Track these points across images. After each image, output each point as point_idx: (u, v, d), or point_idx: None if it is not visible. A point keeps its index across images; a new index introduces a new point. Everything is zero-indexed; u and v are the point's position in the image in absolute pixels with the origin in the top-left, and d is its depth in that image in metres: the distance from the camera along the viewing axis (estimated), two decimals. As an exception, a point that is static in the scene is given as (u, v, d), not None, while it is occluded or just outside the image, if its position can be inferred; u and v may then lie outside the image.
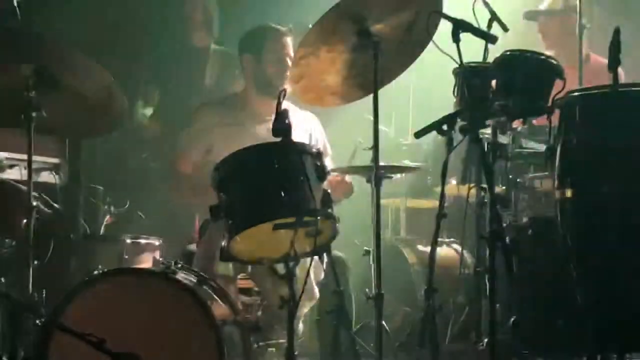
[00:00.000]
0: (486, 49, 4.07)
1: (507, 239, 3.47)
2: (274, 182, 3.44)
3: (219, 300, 3.75)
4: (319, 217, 3.45)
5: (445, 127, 3.74)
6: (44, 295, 4.32)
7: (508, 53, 4.01)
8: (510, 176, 4.71)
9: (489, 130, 4.20)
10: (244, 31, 4.96)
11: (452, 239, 5.76)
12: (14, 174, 4.37)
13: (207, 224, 4.41)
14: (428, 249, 3.76)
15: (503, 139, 4.24)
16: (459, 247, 5.52)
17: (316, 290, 4.10)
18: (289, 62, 4.58)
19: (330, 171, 4.15)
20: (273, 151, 3.53)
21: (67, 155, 4.75)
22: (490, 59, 4.04)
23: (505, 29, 4.27)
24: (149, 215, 5.28)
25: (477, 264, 4.30)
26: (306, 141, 4.60)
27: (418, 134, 3.85)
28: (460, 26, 3.67)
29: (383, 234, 4.09)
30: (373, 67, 3.94)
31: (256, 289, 4.17)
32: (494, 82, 3.96)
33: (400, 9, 3.97)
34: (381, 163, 3.99)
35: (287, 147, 3.52)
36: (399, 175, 5.79)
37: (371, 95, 3.98)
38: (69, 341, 3.10)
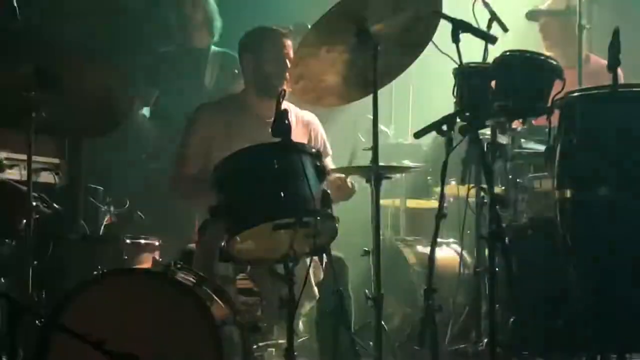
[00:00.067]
0: (486, 50, 4.08)
1: (507, 240, 3.47)
2: (274, 182, 3.44)
3: (219, 301, 3.75)
4: (318, 218, 3.45)
5: (444, 127, 3.74)
6: (44, 295, 4.33)
7: (508, 53, 4.01)
8: (510, 176, 4.71)
9: (488, 131, 4.21)
10: (244, 32, 4.96)
11: (451, 239, 5.76)
12: (14, 174, 4.37)
13: (207, 224, 4.41)
14: (428, 249, 3.76)
15: (503, 139, 4.25)
16: (458, 248, 5.52)
17: (316, 290, 4.10)
18: (288, 63, 4.58)
19: (331, 171, 4.16)
20: (273, 151, 3.53)
21: (67, 155, 4.75)
22: (490, 59, 4.05)
23: (505, 29, 4.28)
24: (149, 215, 5.27)
25: (476, 264, 4.30)
26: (306, 141, 4.60)
27: (418, 134, 3.85)
28: (459, 26, 3.67)
29: (383, 234, 4.09)
30: (373, 67, 3.94)
31: (256, 289, 4.17)
32: (493, 83, 3.96)
33: (400, 9, 3.97)
34: (381, 163, 3.98)
35: (287, 147, 3.52)
36: (398, 175, 5.80)
37: (371, 95, 3.98)
38: (68, 341, 3.11)
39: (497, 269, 3.60)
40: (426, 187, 6.03)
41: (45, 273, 4.35)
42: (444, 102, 4.41)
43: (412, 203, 6.28)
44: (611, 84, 3.68)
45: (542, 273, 4.26)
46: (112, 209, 5.04)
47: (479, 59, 4.07)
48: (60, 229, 4.58)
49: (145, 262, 4.59)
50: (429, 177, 5.95)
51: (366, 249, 4.18)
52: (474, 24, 3.89)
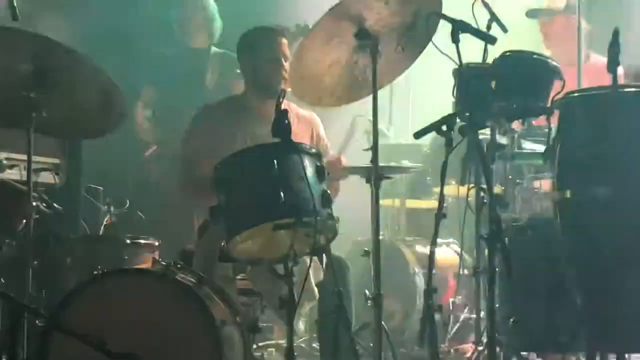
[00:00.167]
0: (486, 50, 4.08)
1: (506, 240, 3.47)
2: (274, 183, 3.44)
3: (219, 301, 3.75)
4: (318, 218, 3.45)
5: (444, 127, 3.74)
6: (44, 295, 4.33)
7: (508, 53, 4.01)
8: (510, 177, 4.72)
9: (488, 131, 4.21)
10: (243, 32, 4.96)
11: (451, 239, 5.77)
12: (14, 174, 4.37)
13: (207, 225, 4.41)
14: (427, 249, 3.76)
15: (502, 140, 4.25)
16: (458, 248, 5.53)
17: (316, 290, 4.10)
18: (284, 62, 4.58)
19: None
20: (273, 151, 3.53)
21: (67, 155, 4.75)
22: (490, 59, 4.05)
23: (504, 29, 4.28)
24: (149, 215, 5.28)
25: (476, 264, 4.30)
26: (307, 141, 4.60)
27: (418, 135, 3.85)
28: (459, 27, 3.67)
29: (383, 234, 4.10)
30: (372, 67, 3.94)
31: (255, 289, 4.17)
32: (493, 83, 3.96)
33: (400, 10, 3.97)
34: (381, 163, 3.99)
35: (286, 148, 3.52)
36: (398, 175, 5.81)
37: (369, 96, 3.99)
38: (69, 341, 3.11)
39: (496, 269, 3.60)
40: (426, 187, 6.04)
41: (45, 273, 4.35)
42: (444, 102, 4.41)
43: (412, 203, 6.29)
44: (611, 84, 3.68)
45: (542, 273, 4.27)
46: (112, 209, 5.05)
47: (479, 59, 4.07)
48: (60, 229, 4.58)
49: (145, 262, 4.59)
50: (428, 177, 5.96)
51: (366, 249, 4.18)
52: (474, 25, 3.89)
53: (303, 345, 5.41)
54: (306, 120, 4.81)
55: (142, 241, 4.76)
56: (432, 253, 3.71)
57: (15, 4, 3.81)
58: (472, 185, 4.18)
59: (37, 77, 3.81)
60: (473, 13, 4.09)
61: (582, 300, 3.82)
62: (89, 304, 3.59)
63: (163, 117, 6.13)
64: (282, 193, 3.42)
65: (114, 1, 6.31)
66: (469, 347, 4.96)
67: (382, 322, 3.91)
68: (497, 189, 4.53)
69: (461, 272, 5.00)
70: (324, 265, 3.93)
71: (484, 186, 3.84)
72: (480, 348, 4.23)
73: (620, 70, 3.77)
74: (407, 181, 6.15)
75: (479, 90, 3.90)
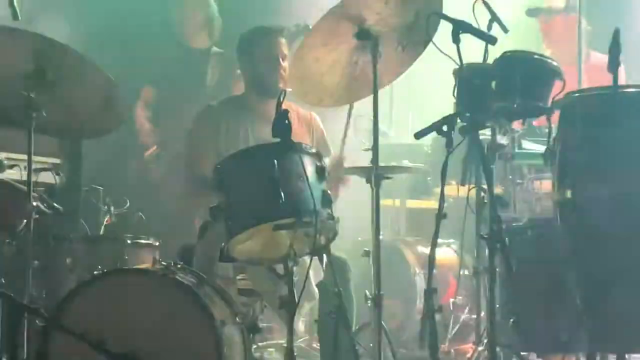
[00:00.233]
0: (486, 50, 4.08)
1: (506, 240, 3.47)
2: (274, 183, 3.44)
3: (219, 301, 3.75)
4: (318, 218, 3.45)
5: (445, 127, 3.74)
6: (44, 295, 4.33)
7: (508, 54, 4.01)
8: (510, 177, 4.72)
9: (488, 131, 4.21)
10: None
11: (451, 240, 5.77)
12: (14, 174, 4.37)
13: (207, 225, 4.41)
14: (428, 249, 3.76)
15: (503, 140, 4.25)
16: (458, 248, 5.53)
17: (315, 290, 4.10)
18: (282, 61, 4.59)
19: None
20: (273, 151, 3.53)
21: (67, 155, 4.75)
22: (490, 59, 4.05)
23: (505, 29, 4.28)
24: (149, 215, 5.27)
25: (476, 264, 4.30)
26: (307, 140, 4.60)
27: (418, 135, 3.85)
28: (460, 27, 3.67)
29: (383, 234, 4.09)
30: (372, 67, 3.94)
31: (255, 289, 4.17)
32: (493, 83, 3.96)
33: (400, 10, 3.97)
34: (381, 163, 3.99)
35: (287, 148, 3.52)
36: (398, 176, 5.80)
37: (371, 96, 3.99)
38: (69, 341, 3.11)
39: (497, 269, 3.60)
40: (426, 187, 6.04)
41: (45, 273, 4.35)
42: (444, 102, 4.41)
43: (412, 203, 6.29)
44: (611, 84, 3.68)
45: (542, 273, 4.26)
46: (112, 209, 5.05)
47: (479, 59, 4.07)
48: (60, 229, 4.58)
49: (146, 262, 4.59)
50: (428, 177, 5.96)
51: (366, 249, 4.18)
52: (474, 25, 3.89)
53: (303, 345, 5.41)
54: (306, 120, 4.81)
55: (142, 241, 4.77)
56: (432, 253, 3.71)
57: (15, 4, 3.81)
58: (472, 185, 4.18)
59: (37, 77, 3.81)
60: (473, 13, 4.09)
61: (582, 301, 3.82)
62: (89, 304, 3.59)
63: (163, 117, 6.13)
64: (282, 193, 3.42)
65: (114, 1, 6.31)
66: (469, 348, 4.95)
67: (382, 322, 3.91)
68: (498, 189, 4.53)
69: (461, 272, 5.01)
70: (324, 265, 3.93)
71: (484, 186, 3.84)
72: (481, 348, 4.23)
73: (621, 70, 3.78)
74: (408, 181, 6.15)
75: (479, 91, 3.89)
